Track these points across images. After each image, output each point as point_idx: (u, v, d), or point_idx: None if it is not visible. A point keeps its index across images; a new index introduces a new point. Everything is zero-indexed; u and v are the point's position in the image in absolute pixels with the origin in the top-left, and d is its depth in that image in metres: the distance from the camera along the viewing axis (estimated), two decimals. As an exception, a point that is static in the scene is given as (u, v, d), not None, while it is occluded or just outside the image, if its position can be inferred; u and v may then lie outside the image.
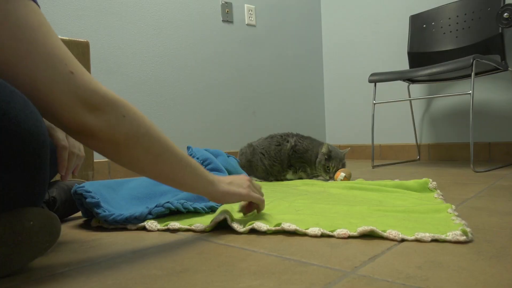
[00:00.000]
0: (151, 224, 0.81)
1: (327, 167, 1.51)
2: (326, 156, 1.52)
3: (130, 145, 0.58)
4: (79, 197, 0.86)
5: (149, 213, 0.85)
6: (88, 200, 0.84)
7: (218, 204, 0.97)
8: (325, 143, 1.56)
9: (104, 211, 0.83)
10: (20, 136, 0.50)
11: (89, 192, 0.85)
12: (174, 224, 0.80)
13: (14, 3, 0.48)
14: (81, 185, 0.87)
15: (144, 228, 0.82)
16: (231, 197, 0.74)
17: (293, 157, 1.60)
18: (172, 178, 0.64)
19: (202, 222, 0.82)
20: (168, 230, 0.80)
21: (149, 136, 0.59)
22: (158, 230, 0.81)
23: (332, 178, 1.51)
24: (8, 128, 0.49)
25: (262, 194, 0.83)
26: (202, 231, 0.77)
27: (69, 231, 0.84)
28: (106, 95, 0.55)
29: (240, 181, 0.76)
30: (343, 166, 1.54)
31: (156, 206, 0.86)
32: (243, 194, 0.75)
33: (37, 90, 0.50)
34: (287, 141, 1.63)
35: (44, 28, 0.51)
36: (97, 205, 0.84)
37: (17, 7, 0.48)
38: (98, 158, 1.73)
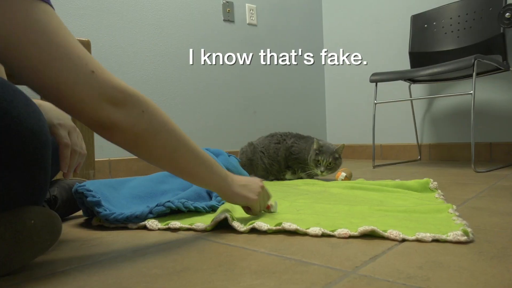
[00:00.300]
0: (152, 223, 0.81)
1: (317, 161, 1.52)
2: (317, 151, 1.53)
3: (148, 138, 0.59)
4: (80, 196, 0.86)
5: (150, 212, 0.85)
6: (89, 199, 0.84)
7: (219, 204, 0.97)
8: (315, 139, 1.56)
9: (105, 210, 0.84)
10: (21, 134, 0.50)
11: (90, 191, 0.86)
12: (175, 223, 0.80)
13: (32, 8, 0.48)
14: (82, 184, 0.87)
15: (145, 227, 0.82)
16: (240, 199, 0.77)
17: (290, 159, 1.61)
18: (187, 172, 0.67)
19: (203, 221, 0.82)
20: (169, 229, 0.80)
21: (166, 131, 0.61)
22: (159, 229, 0.81)
23: (323, 172, 1.51)
24: (10, 126, 0.49)
25: (270, 197, 0.86)
26: (203, 231, 0.77)
27: (70, 230, 0.84)
28: (127, 90, 0.56)
29: (253, 187, 0.79)
30: (336, 159, 1.53)
31: (157, 205, 0.86)
32: (251, 199, 0.78)
33: (60, 90, 0.50)
34: (286, 142, 1.63)
35: (63, 30, 0.51)
36: (98, 204, 0.84)
37: (36, 12, 0.48)
38: (99, 157, 1.73)
